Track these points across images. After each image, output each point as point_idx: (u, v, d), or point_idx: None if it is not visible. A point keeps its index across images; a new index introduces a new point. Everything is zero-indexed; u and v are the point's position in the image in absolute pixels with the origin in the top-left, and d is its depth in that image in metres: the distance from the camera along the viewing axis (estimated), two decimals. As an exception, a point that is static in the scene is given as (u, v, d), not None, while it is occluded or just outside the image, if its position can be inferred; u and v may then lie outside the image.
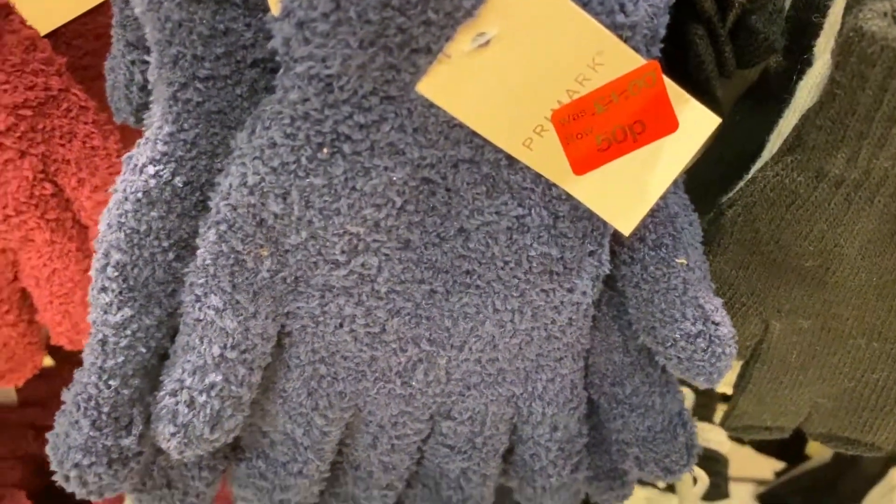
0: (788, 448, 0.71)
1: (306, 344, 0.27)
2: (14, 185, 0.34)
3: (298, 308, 0.26)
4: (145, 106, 0.30)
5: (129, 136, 0.37)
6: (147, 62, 0.28)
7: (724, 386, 0.35)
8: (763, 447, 0.73)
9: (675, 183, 0.26)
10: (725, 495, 0.58)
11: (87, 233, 0.37)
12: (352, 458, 0.31)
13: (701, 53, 0.26)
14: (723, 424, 0.33)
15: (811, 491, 0.61)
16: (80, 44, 0.39)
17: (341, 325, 0.26)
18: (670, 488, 0.56)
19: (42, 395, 0.64)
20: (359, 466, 0.31)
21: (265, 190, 0.23)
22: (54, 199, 0.35)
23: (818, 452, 0.66)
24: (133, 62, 0.28)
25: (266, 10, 0.22)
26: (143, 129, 0.30)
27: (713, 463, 0.56)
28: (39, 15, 0.35)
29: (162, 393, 0.26)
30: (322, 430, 0.28)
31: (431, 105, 0.22)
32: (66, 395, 0.27)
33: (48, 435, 0.28)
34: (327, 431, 0.29)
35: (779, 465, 0.74)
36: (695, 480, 0.51)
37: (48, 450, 0.28)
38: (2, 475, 0.58)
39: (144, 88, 0.29)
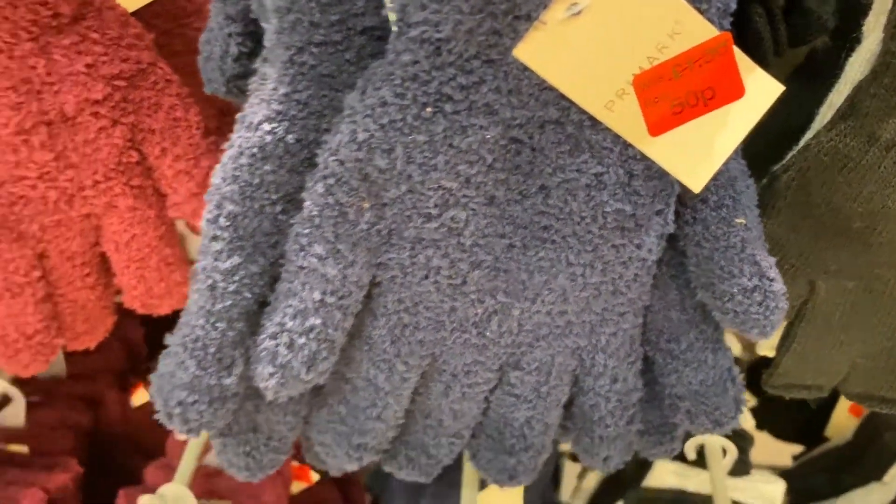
0: (808, 432, 0.73)
1: (394, 294, 0.29)
2: (105, 152, 0.36)
3: (390, 259, 0.28)
4: (237, 77, 0.32)
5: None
6: (242, 35, 0.31)
7: (767, 349, 0.37)
8: (782, 433, 0.75)
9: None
10: (748, 471, 0.60)
11: (165, 201, 0.39)
12: (423, 406, 0.33)
13: (760, 31, 0.29)
14: (765, 383, 0.36)
15: (833, 470, 0.63)
16: (158, 24, 0.42)
17: (427, 277, 0.28)
18: (697, 462, 0.58)
19: (90, 368, 0.67)
20: (429, 415, 0.33)
21: (373, 146, 0.25)
22: (139, 168, 0.38)
23: (837, 434, 0.68)
24: (230, 34, 0.31)
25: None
26: (242, 96, 0.32)
27: (739, 439, 0.58)
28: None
29: (263, 336, 0.28)
30: (402, 375, 0.31)
31: (525, 68, 0.24)
32: (172, 339, 0.29)
33: (152, 377, 0.30)
34: (407, 377, 0.31)
35: (797, 449, 0.76)
36: (724, 452, 0.53)
37: (152, 391, 0.30)
38: (55, 443, 0.61)
39: (238, 60, 0.32)
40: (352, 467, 0.34)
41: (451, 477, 0.55)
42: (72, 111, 0.34)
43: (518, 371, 0.32)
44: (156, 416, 0.30)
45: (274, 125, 0.26)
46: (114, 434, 0.67)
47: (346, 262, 0.27)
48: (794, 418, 0.74)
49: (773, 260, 0.29)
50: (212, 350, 0.28)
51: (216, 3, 0.31)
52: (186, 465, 0.52)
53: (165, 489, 0.50)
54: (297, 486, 0.62)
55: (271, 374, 0.28)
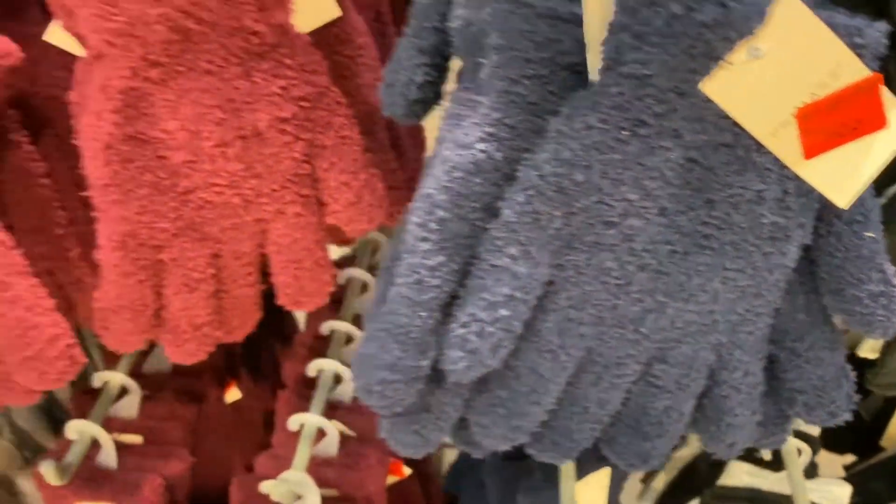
0: (860, 443, 0.77)
1: (566, 292, 0.33)
2: (285, 164, 0.41)
3: (568, 261, 0.32)
4: (416, 102, 0.37)
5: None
6: (429, 66, 0.36)
7: (869, 352, 0.41)
8: (834, 444, 0.79)
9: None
10: (816, 474, 0.64)
11: (324, 209, 0.44)
12: (572, 394, 0.37)
13: (889, 70, 0.33)
14: (870, 382, 0.40)
15: (892, 476, 0.67)
16: (313, 50, 0.46)
17: (597, 277, 0.33)
18: (770, 464, 0.62)
19: (192, 365, 0.71)
20: (577, 402, 0.37)
21: (574, 163, 0.29)
22: (308, 179, 0.42)
23: (893, 444, 0.72)
24: (419, 65, 0.36)
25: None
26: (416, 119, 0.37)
27: (808, 443, 0.62)
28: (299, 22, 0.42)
29: (455, 325, 0.32)
30: (563, 365, 0.35)
31: (708, 100, 0.29)
32: (374, 326, 0.34)
33: (353, 359, 0.34)
34: (567, 367, 0.35)
35: (848, 460, 0.79)
36: (799, 452, 0.57)
37: (352, 370, 0.34)
38: (166, 434, 0.65)
39: (421, 88, 0.36)
40: (503, 447, 0.38)
41: (545, 471, 0.59)
42: (263, 127, 0.39)
43: (663, 364, 0.36)
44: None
45: (486, 145, 0.30)
46: (211, 428, 0.72)
47: (534, 263, 0.32)
48: (847, 430, 0.77)
49: (894, 269, 0.34)
50: (413, 335, 0.32)
51: (408, 38, 0.36)
52: (302, 454, 0.57)
53: (287, 475, 0.55)
54: (389, 479, 0.66)
55: (461, 359, 0.32)
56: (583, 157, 0.29)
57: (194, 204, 0.40)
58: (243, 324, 0.47)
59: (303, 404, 0.64)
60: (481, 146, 0.30)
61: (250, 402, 0.77)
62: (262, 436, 0.80)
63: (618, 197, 0.30)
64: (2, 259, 0.38)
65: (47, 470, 0.55)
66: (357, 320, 0.70)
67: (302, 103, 0.39)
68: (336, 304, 0.68)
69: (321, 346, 0.68)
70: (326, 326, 0.67)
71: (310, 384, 0.67)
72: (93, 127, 0.37)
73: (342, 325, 0.67)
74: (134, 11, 0.33)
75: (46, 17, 0.48)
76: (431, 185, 0.31)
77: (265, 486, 0.55)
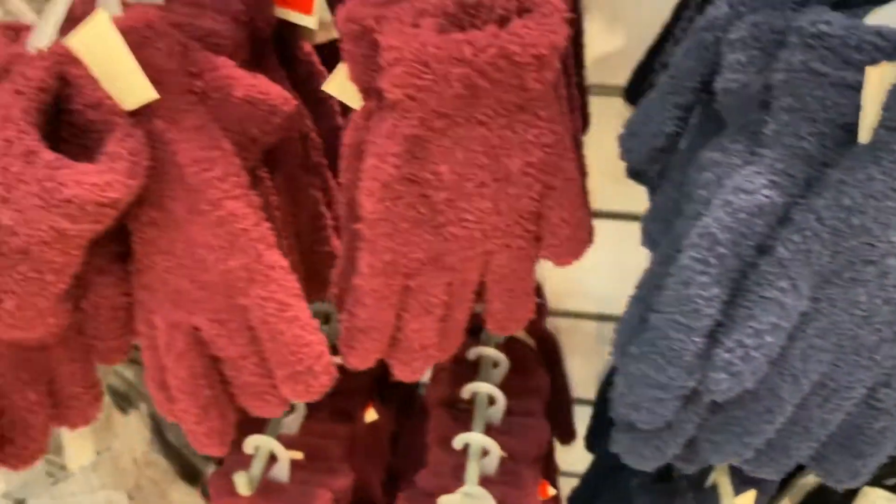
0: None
1: (816, 322, 0.37)
2: (523, 203, 0.45)
3: (825, 294, 0.37)
4: (657, 150, 0.42)
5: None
6: (681, 119, 0.40)
7: None
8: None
9: None
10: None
11: (541, 242, 0.49)
12: (797, 415, 0.41)
13: None
14: None
15: None
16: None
17: (846, 310, 0.37)
18: (905, 491, 0.66)
19: (343, 387, 0.75)
20: (800, 422, 0.41)
21: (852, 209, 0.34)
22: (535, 216, 0.47)
23: None
24: (671, 118, 0.40)
25: None
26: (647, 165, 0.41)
27: (938, 472, 0.65)
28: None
29: (720, 350, 0.36)
30: (801, 388, 0.39)
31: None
32: (643, 349, 0.38)
33: (620, 377, 0.39)
34: (803, 390, 0.39)
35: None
36: (940, 480, 0.61)
37: (621, 387, 0.38)
38: (329, 450, 0.69)
39: (667, 137, 0.41)
40: (731, 461, 0.42)
41: (696, 493, 0.63)
42: (515, 171, 0.43)
43: (887, 388, 0.40)
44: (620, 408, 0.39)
45: (770, 191, 0.35)
46: (358, 446, 0.75)
47: (799, 295, 0.36)
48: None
49: None
50: (687, 358, 0.37)
51: (663, 94, 0.40)
52: (472, 471, 0.61)
53: (468, 489, 0.59)
54: (533, 499, 0.69)
55: (724, 381, 0.36)
56: (861, 204, 0.34)
57: (443, 237, 0.45)
58: (453, 345, 0.51)
59: (454, 425, 0.68)
60: (766, 192, 0.35)
61: (382, 422, 0.81)
62: (389, 455, 0.84)
63: (883, 239, 0.35)
64: (284, 282, 0.43)
65: (240, 481, 0.59)
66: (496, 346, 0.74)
67: (546, 149, 0.44)
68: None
69: (462, 370, 0.73)
70: (474, 352, 0.72)
71: (452, 406, 0.72)
72: (376, 168, 0.41)
73: (490, 351, 0.71)
74: (441, 71, 0.38)
75: (281, 65, 0.54)
76: (713, 224, 0.36)
77: (445, 500, 0.59)
